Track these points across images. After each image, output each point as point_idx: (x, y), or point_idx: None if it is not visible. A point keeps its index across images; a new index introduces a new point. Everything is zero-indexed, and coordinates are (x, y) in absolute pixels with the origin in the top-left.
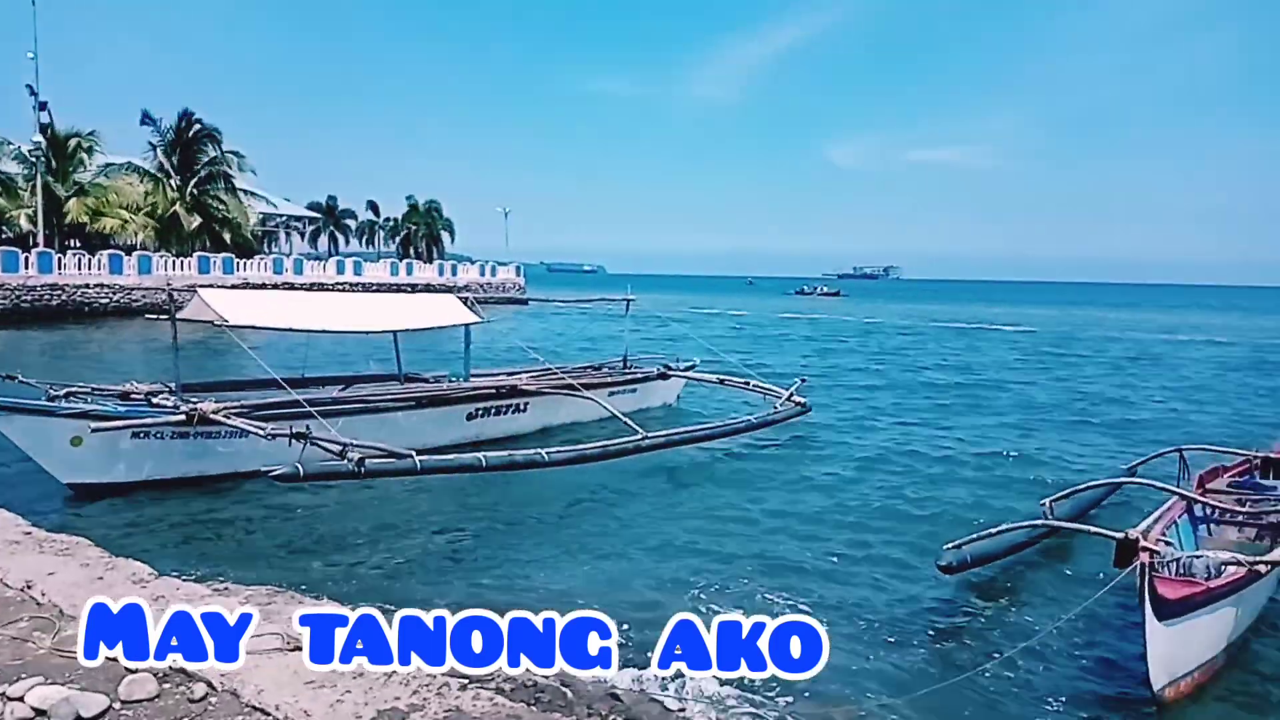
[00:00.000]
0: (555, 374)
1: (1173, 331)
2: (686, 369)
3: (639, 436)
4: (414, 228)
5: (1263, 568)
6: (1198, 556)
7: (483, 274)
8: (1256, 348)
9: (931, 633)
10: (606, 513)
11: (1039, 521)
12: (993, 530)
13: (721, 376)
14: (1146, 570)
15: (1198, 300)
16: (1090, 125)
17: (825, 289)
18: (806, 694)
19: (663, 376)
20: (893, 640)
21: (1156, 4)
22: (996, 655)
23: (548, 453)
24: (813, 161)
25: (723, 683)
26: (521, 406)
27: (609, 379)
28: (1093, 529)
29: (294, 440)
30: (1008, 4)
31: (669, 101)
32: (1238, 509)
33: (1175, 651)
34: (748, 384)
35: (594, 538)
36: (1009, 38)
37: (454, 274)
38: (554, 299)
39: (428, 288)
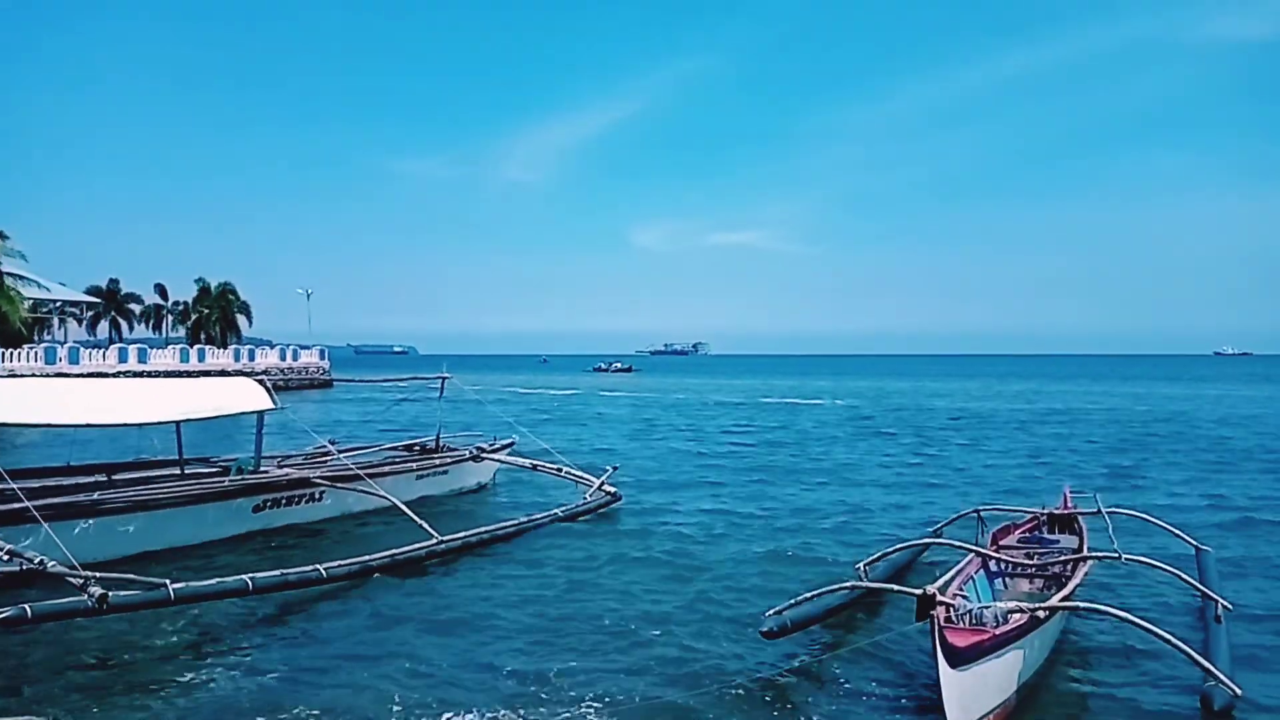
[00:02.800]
0: (346, 465)
1: (948, 396)
2: (502, 448)
3: (433, 541)
4: (206, 311)
5: (1042, 613)
6: (986, 607)
7: (283, 358)
8: (1041, 412)
9: (756, 695)
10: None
11: (852, 584)
12: (809, 595)
13: (534, 462)
14: (936, 622)
15: (982, 369)
16: (873, 208)
17: (619, 365)
18: None
19: (475, 459)
20: (724, 705)
21: (924, 101)
22: (815, 711)
23: (325, 569)
24: (621, 244)
25: None
26: (317, 495)
27: (418, 462)
28: (896, 587)
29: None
30: (792, 100)
31: (480, 183)
32: (1027, 562)
33: (969, 696)
34: (560, 470)
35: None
36: (797, 129)
37: (251, 359)
38: (362, 379)
39: (222, 374)
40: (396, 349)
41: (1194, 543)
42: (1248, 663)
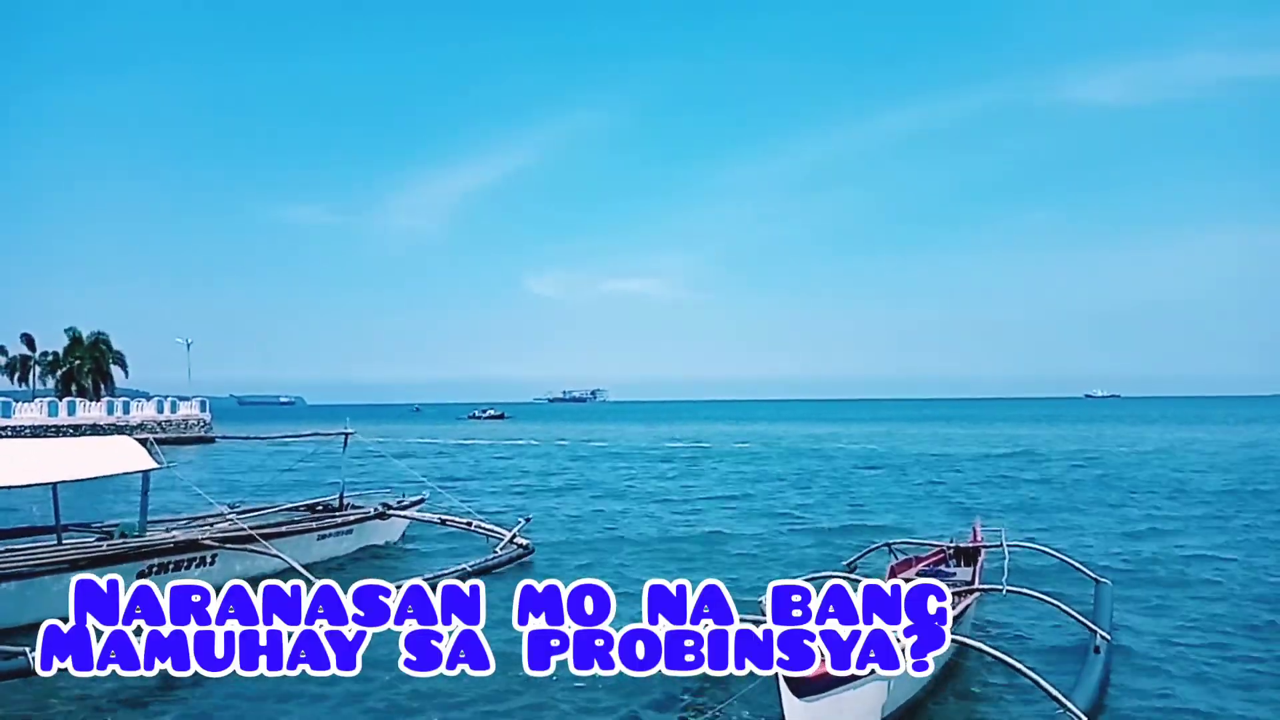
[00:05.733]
0: (241, 526)
1: (838, 439)
2: (411, 505)
3: None
4: (78, 362)
5: None
6: None
7: (161, 410)
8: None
9: None
10: None
11: (750, 616)
12: None
13: (443, 516)
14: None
15: (870, 413)
16: (763, 259)
17: (491, 413)
18: None
19: (381, 516)
20: None
21: (810, 159)
22: None
23: None
24: (516, 291)
25: None
26: (208, 559)
27: (320, 522)
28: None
29: None
30: (687, 155)
31: (370, 231)
32: None
33: None
34: (470, 524)
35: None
36: (691, 183)
37: (126, 412)
38: (252, 436)
39: (94, 429)
40: (283, 399)
41: (1093, 575)
42: (1123, 693)
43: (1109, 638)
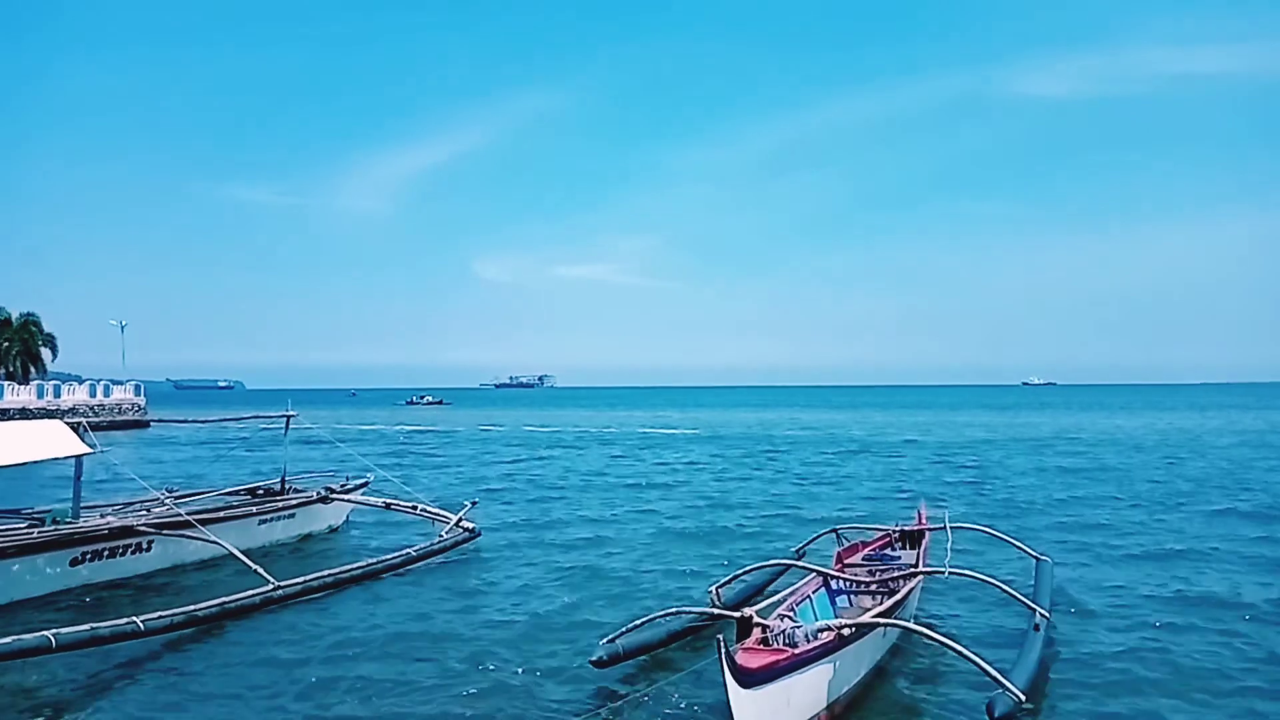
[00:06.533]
0: (178, 512)
1: (796, 427)
2: (355, 488)
3: (269, 587)
4: (5, 344)
5: (848, 630)
6: (798, 627)
7: (93, 394)
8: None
9: None
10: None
11: (678, 609)
12: (641, 621)
13: (388, 500)
14: (722, 642)
15: (817, 399)
16: (718, 246)
17: (430, 399)
18: None
19: (324, 500)
20: None
21: (766, 146)
22: None
23: (143, 621)
24: (466, 276)
25: None
26: (145, 545)
27: (261, 506)
28: (716, 610)
29: None
30: (641, 140)
31: (316, 212)
32: (867, 579)
33: (764, 716)
34: (415, 508)
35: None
36: (646, 167)
37: (56, 395)
38: (189, 420)
39: (23, 413)
40: (222, 384)
41: (1034, 554)
42: (1064, 667)
43: (1048, 616)
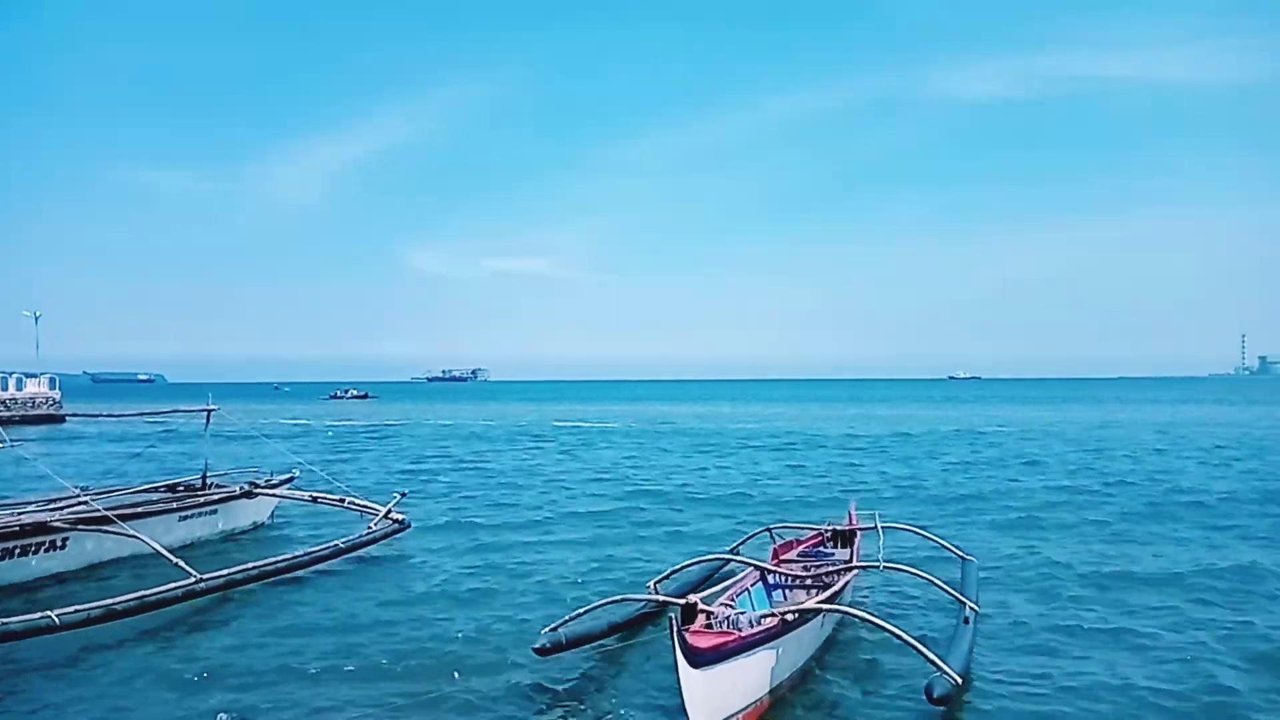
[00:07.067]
0: (95, 508)
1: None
2: (281, 483)
3: (191, 580)
4: None
5: (791, 616)
6: (742, 613)
7: (4, 388)
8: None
9: (510, 716)
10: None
11: (622, 596)
12: (584, 610)
13: (315, 494)
14: (675, 624)
15: (758, 394)
16: (659, 240)
17: (355, 393)
18: None
19: (248, 495)
20: None
21: (704, 141)
22: None
23: (58, 615)
24: (399, 267)
25: None
26: (59, 542)
27: (181, 502)
28: (662, 597)
29: None
30: (581, 132)
31: (242, 200)
32: (802, 574)
33: (714, 694)
34: (343, 501)
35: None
36: (586, 160)
37: None
38: (105, 414)
39: None
40: (141, 377)
41: (960, 553)
42: (991, 659)
43: (978, 609)
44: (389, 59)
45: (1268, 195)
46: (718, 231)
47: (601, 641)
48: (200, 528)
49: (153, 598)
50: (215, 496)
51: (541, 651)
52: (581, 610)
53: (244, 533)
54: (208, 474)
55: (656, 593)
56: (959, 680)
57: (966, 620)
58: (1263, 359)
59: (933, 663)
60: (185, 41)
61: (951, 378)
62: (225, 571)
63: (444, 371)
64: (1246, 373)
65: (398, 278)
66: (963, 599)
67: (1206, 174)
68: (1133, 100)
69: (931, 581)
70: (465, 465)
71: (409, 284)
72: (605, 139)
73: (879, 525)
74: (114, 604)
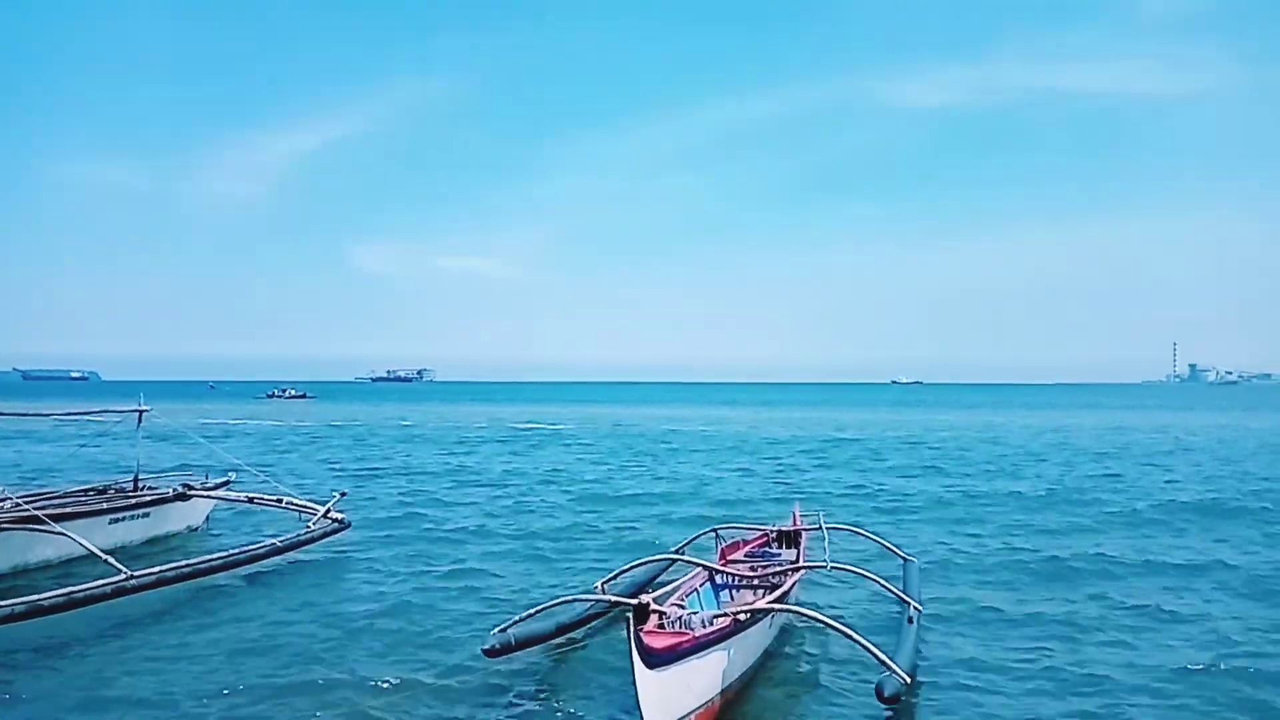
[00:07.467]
0: (23, 508)
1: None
2: (217, 486)
3: (122, 576)
4: None
5: (744, 616)
6: (694, 613)
7: None
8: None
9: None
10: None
11: (571, 597)
12: (533, 611)
13: (252, 495)
14: (631, 625)
15: (700, 395)
16: (608, 241)
17: (293, 392)
18: None
19: (182, 497)
20: None
21: (658, 142)
22: None
23: None
24: (342, 265)
25: None
26: None
27: (112, 504)
28: (613, 598)
29: None
30: (530, 131)
31: (181, 195)
32: (750, 574)
33: (669, 695)
34: (281, 501)
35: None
36: (535, 160)
37: None
38: (33, 413)
39: None
40: (74, 374)
41: (901, 554)
42: (935, 656)
43: (921, 608)
44: (340, 56)
45: (1201, 206)
46: (670, 233)
47: (551, 642)
48: (131, 531)
49: (81, 594)
50: (148, 499)
51: (491, 653)
52: (530, 611)
53: (178, 536)
54: (140, 476)
55: (605, 593)
56: (908, 679)
57: (911, 619)
58: (1193, 367)
59: (882, 662)
60: (116, 27)
61: (895, 382)
62: (157, 569)
63: (389, 371)
64: (1177, 380)
65: (343, 275)
66: (906, 598)
67: (1145, 185)
68: (1074, 111)
69: (877, 581)
70: (410, 467)
71: (354, 282)
72: (563, 139)
73: (824, 526)
74: (40, 600)
